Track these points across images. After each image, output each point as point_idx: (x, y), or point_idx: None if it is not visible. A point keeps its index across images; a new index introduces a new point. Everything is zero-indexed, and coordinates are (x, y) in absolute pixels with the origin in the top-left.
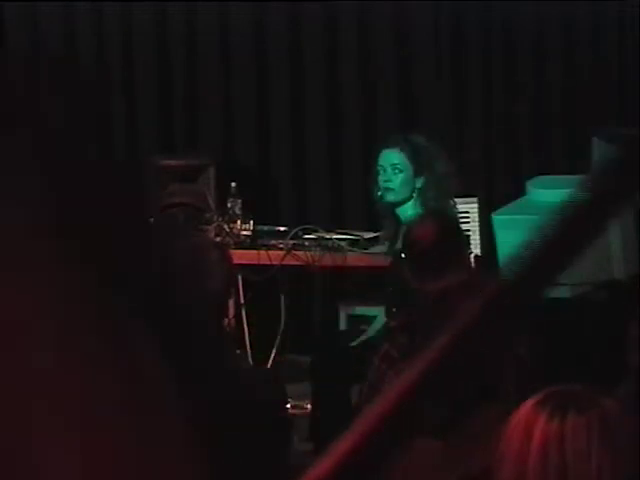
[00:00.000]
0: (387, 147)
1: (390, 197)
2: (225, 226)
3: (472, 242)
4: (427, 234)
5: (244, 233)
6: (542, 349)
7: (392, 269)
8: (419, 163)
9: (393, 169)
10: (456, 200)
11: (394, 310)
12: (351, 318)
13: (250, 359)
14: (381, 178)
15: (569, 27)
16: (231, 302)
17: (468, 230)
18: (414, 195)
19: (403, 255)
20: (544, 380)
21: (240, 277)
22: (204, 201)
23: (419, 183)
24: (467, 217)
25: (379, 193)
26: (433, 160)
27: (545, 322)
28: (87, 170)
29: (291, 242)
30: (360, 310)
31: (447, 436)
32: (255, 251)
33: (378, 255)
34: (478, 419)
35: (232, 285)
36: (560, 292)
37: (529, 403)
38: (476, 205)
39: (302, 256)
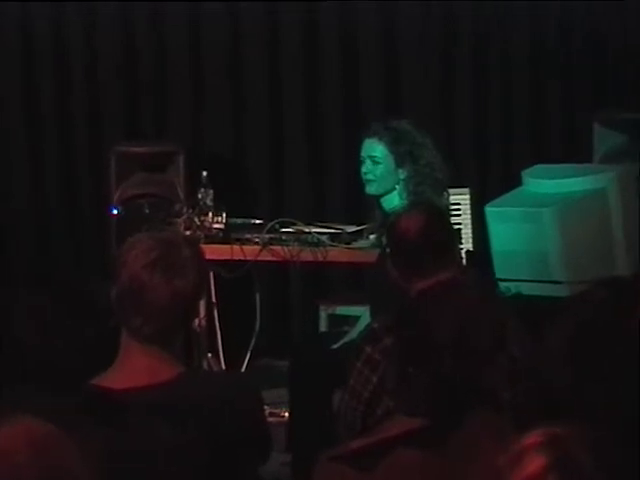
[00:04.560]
0: (367, 136)
1: (370, 189)
2: (195, 219)
3: (463, 236)
4: (413, 227)
5: (216, 226)
6: (538, 352)
7: (377, 265)
8: (401, 153)
9: (372, 160)
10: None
11: (379, 310)
12: (333, 318)
13: (223, 363)
14: (362, 169)
15: (565, 8)
16: (202, 301)
17: (459, 223)
18: (397, 187)
19: (388, 250)
20: (540, 388)
21: (212, 274)
22: (173, 192)
23: (402, 174)
24: (458, 209)
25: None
26: (417, 148)
27: (541, 323)
28: None
29: (267, 236)
30: (342, 310)
31: (431, 446)
32: (228, 246)
33: (362, 250)
34: (467, 428)
35: (205, 283)
36: (558, 291)
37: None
38: (468, 196)
39: (279, 251)
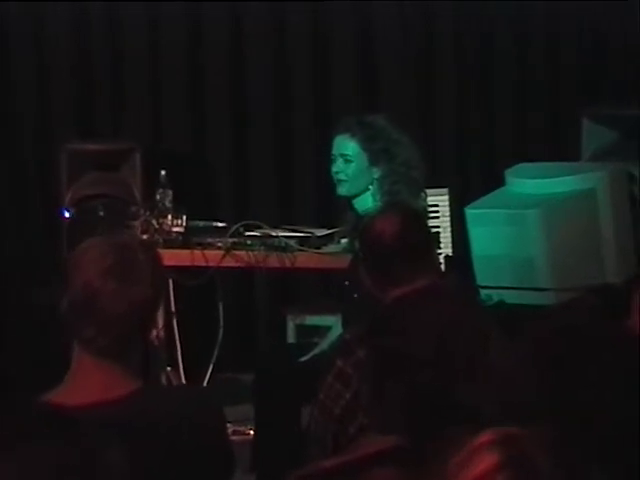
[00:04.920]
0: (339, 133)
1: (342, 190)
2: (153, 221)
3: (442, 240)
4: (388, 230)
5: (176, 230)
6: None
7: (349, 271)
8: (375, 150)
9: (344, 159)
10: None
11: (351, 320)
12: (301, 329)
13: (183, 377)
14: (333, 169)
15: (550, 6)
16: (160, 310)
17: (437, 226)
18: (371, 187)
19: (361, 255)
20: (530, 398)
21: (171, 281)
22: (128, 192)
23: (376, 173)
24: (436, 211)
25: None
26: (393, 145)
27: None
28: None
29: (231, 240)
30: (312, 320)
31: (408, 466)
32: (189, 251)
33: (333, 255)
34: (446, 446)
35: (163, 291)
36: (544, 298)
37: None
38: (447, 197)
39: (244, 257)
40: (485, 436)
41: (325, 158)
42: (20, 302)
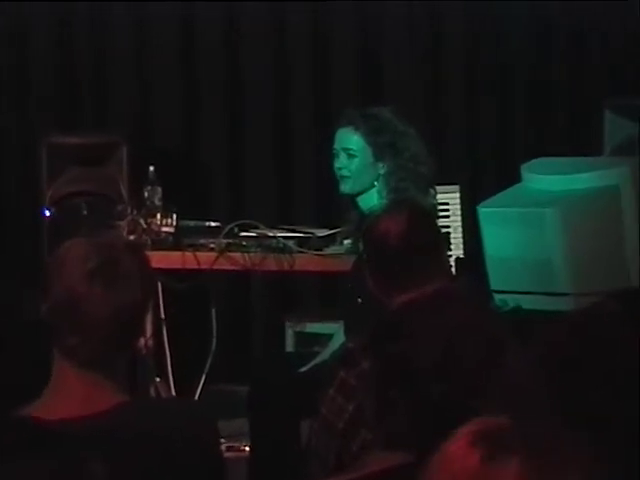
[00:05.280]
0: (341, 126)
1: (345, 187)
2: (141, 221)
3: (453, 241)
4: (394, 229)
5: (165, 230)
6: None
7: (353, 274)
8: (380, 144)
9: (346, 153)
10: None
11: (355, 327)
12: (301, 337)
13: (173, 389)
14: (335, 164)
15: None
16: (149, 317)
17: (448, 226)
18: (376, 183)
19: (365, 256)
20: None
21: (160, 285)
22: (114, 189)
23: (382, 168)
24: (446, 209)
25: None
26: (400, 139)
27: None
28: None
29: (225, 241)
30: (312, 327)
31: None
32: (179, 252)
33: (335, 257)
34: None
35: (151, 296)
36: (562, 304)
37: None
38: (458, 195)
39: (239, 259)
40: (462, 433)
41: (326, 156)
42: (19, 302)
